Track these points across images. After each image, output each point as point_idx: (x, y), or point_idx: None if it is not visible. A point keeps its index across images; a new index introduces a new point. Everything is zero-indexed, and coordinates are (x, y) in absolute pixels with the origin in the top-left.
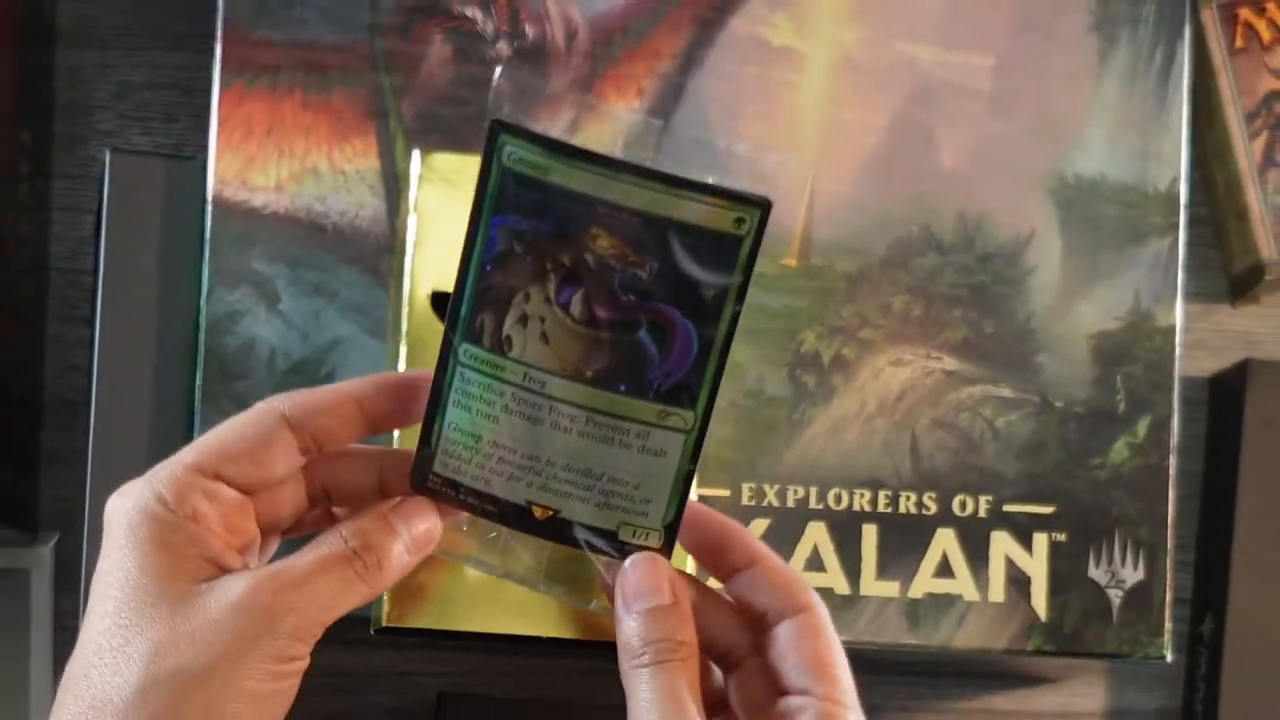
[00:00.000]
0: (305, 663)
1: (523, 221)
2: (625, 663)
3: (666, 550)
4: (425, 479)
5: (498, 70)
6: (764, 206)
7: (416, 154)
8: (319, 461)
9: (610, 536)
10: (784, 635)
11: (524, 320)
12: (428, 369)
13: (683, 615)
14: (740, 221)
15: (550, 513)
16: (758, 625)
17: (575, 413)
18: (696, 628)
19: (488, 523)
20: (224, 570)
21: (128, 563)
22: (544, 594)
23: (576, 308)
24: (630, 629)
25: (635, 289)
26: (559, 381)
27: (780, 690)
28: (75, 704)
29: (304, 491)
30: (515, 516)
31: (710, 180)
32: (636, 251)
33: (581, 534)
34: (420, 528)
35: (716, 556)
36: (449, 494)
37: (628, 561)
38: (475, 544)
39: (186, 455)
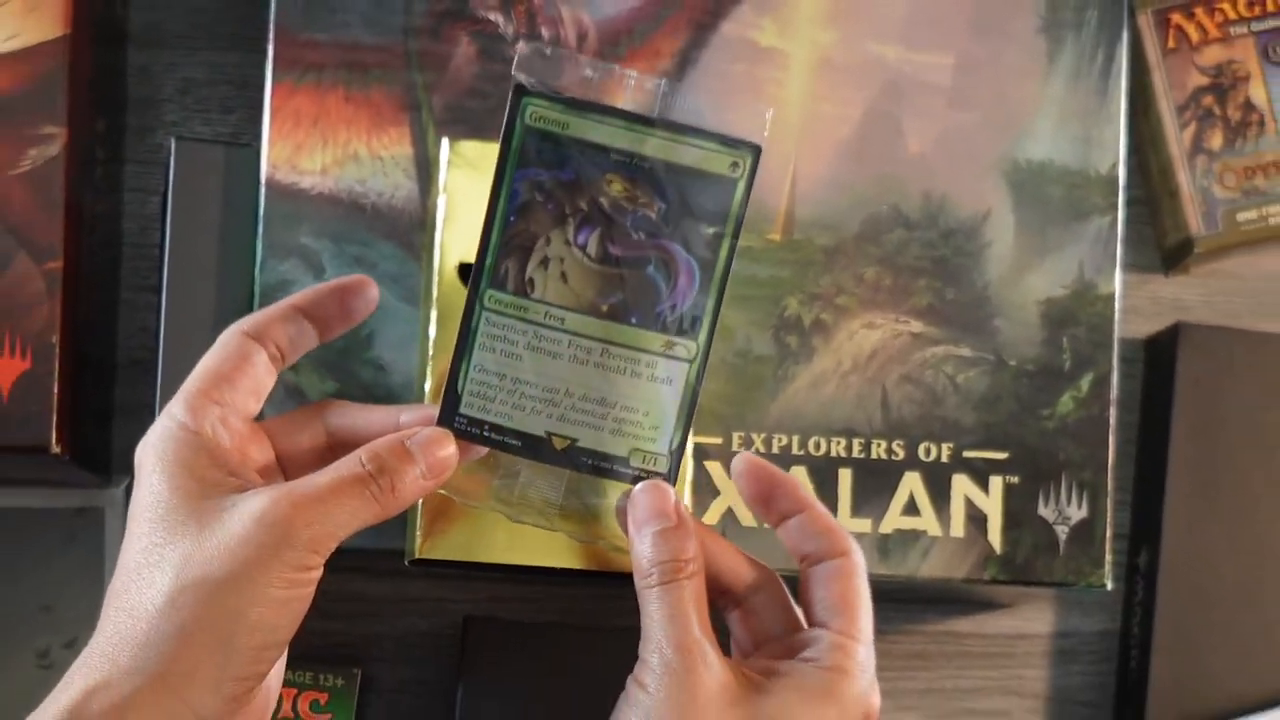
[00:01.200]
0: (320, 572)
1: (543, 173)
2: (638, 582)
3: (673, 474)
4: (453, 420)
5: (521, 40)
6: (755, 150)
7: (445, 142)
8: (339, 413)
9: (622, 462)
10: (819, 575)
11: (545, 263)
12: (361, 275)
13: (686, 534)
14: (735, 165)
15: (568, 442)
16: (802, 564)
17: (591, 345)
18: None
19: (506, 466)
20: (245, 486)
21: (157, 487)
22: (557, 531)
23: (593, 247)
24: (640, 551)
25: (645, 228)
26: (577, 317)
27: (798, 625)
28: (116, 615)
29: (322, 431)
30: (536, 448)
31: (709, 129)
32: (646, 194)
33: (595, 460)
34: (437, 455)
35: (769, 504)
36: (475, 432)
37: (636, 488)
38: (495, 489)
39: (189, 384)
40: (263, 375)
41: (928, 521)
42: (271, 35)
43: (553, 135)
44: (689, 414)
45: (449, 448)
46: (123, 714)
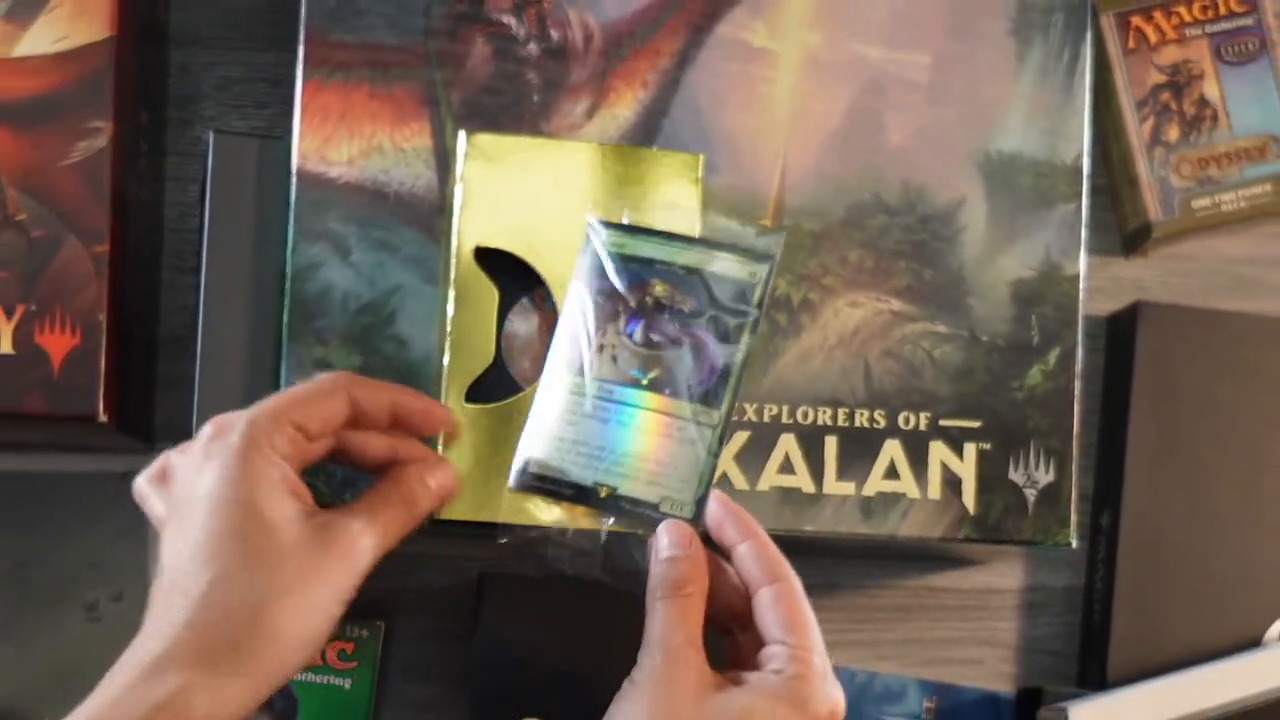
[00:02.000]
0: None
1: (604, 281)
2: (648, 597)
3: (696, 519)
4: (525, 475)
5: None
6: (771, 263)
7: (462, 135)
8: (359, 386)
9: (653, 508)
10: (766, 600)
11: (600, 349)
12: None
13: (694, 564)
14: (754, 273)
15: (610, 490)
16: (748, 591)
17: (633, 411)
18: (710, 594)
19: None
20: (299, 501)
21: (227, 491)
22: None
23: (638, 335)
24: (655, 572)
25: (679, 319)
26: (624, 390)
27: (761, 643)
28: (208, 614)
29: (346, 402)
30: (584, 495)
31: (755, 248)
32: (682, 293)
33: (632, 505)
34: (442, 481)
35: (722, 532)
36: (538, 485)
37: (661, 526)
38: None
39: (281, 405)
40: (336, 423)
41: (907, 485)
42: (302, 36)
43: (613, 253)
44: (711, 470)
45: (450, 474)
46: (223, 702)
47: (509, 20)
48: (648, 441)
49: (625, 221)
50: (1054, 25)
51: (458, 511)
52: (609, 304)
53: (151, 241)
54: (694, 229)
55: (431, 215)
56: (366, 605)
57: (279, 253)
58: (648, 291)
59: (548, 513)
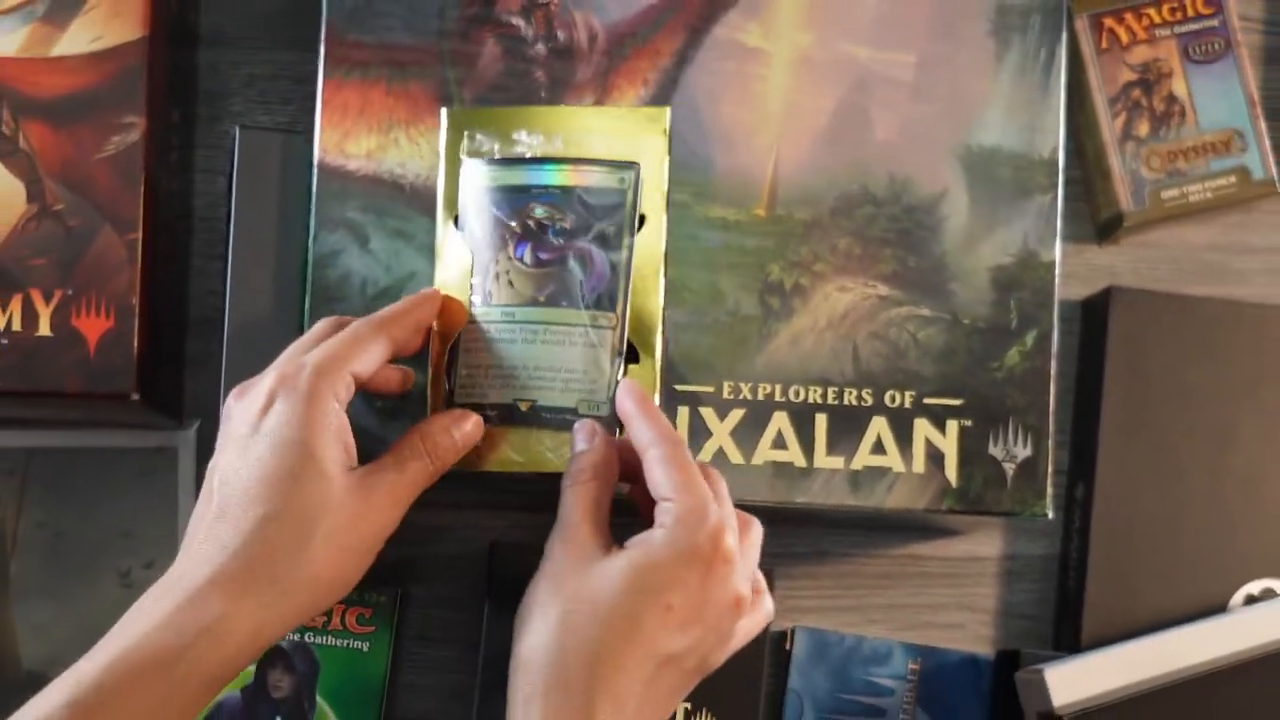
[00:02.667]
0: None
1: (481, 216)
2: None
3: (613, 417)
4: (449, 407)
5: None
6: (636, 168)
7: (443, 111)
8: (395, 325)
9: (572, 412)
10: (650, 461)
11: (497, 277)
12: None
13: (595, 454)
14: (623, 179)
15: (530, 404)
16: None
17: (536, 328)
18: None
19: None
20: (347, 453)
21: (290, 434)
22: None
23: (528, 257)
24: (568, 467)
25: (563, 236)
26: (525, 309)
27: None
28: (250, 546)
29: (387, 343)
30: (509, 413)
31: (601, 156)
32: (560, 210)
33: (553, 414)
34: (466, 429)
35: (622, 413)
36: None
37: (574, 426)
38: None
39: (341, 354)
40: (379, 362)
41: (893, 459)
42: (323, 37)
43: (490, 186)
44: (618, 367)
45: (471, 421)
46: (259, 632)
47: (518, 21)
48: (555, 353)
49: (496, 156)
50: (1031, 26)
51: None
52: (497, 234)
53: (181, 230)
54: (661, 181)
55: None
56: (384, 572)
57: (301, 240)
58: (529, 216)
59: (510, 452)
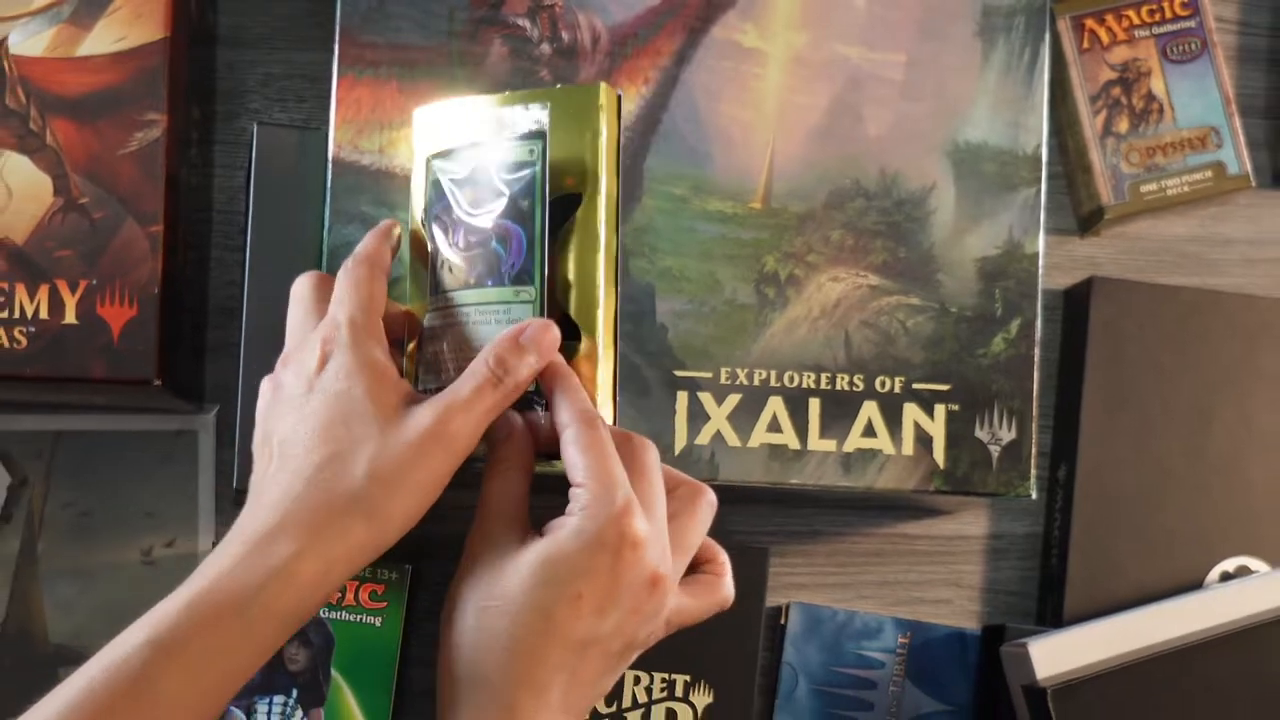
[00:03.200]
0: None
1: (436, 207)
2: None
3: (537, 393)
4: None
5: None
6: (543, 139)
7: (415, 113)
8: None
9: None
10: (566, 440)
11: (440, 265)
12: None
13: (508, 443)
14: (531, 151)
15: None
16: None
17: (470, 310)
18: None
19: None
20: (400, 390)
21: (340, 384)
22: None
23: (461, 242)
24: (488, 457)
25: (486, 216)
26: (460, 293)
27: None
28: (311, 492)
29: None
30: None
31: (522, 130)
32: (481, 191)
33: None
34: (546, 340)
35: (545, 387)
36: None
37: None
38: None
39: (366, 303)
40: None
41: (883, 442)
42: (337, 38)
43: (432, 180)
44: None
45: (553, 330)
46: (329, 572)
47: (524, 23)
48: (487, 331)
49: (444, 147)
50: (1015, 27)
51: None
52: (437, 227)
53: (201, 222)
54: (600, 158)
55: None
56: (395, 550)
57: (316, 233)
58: (459, 201)
59: None
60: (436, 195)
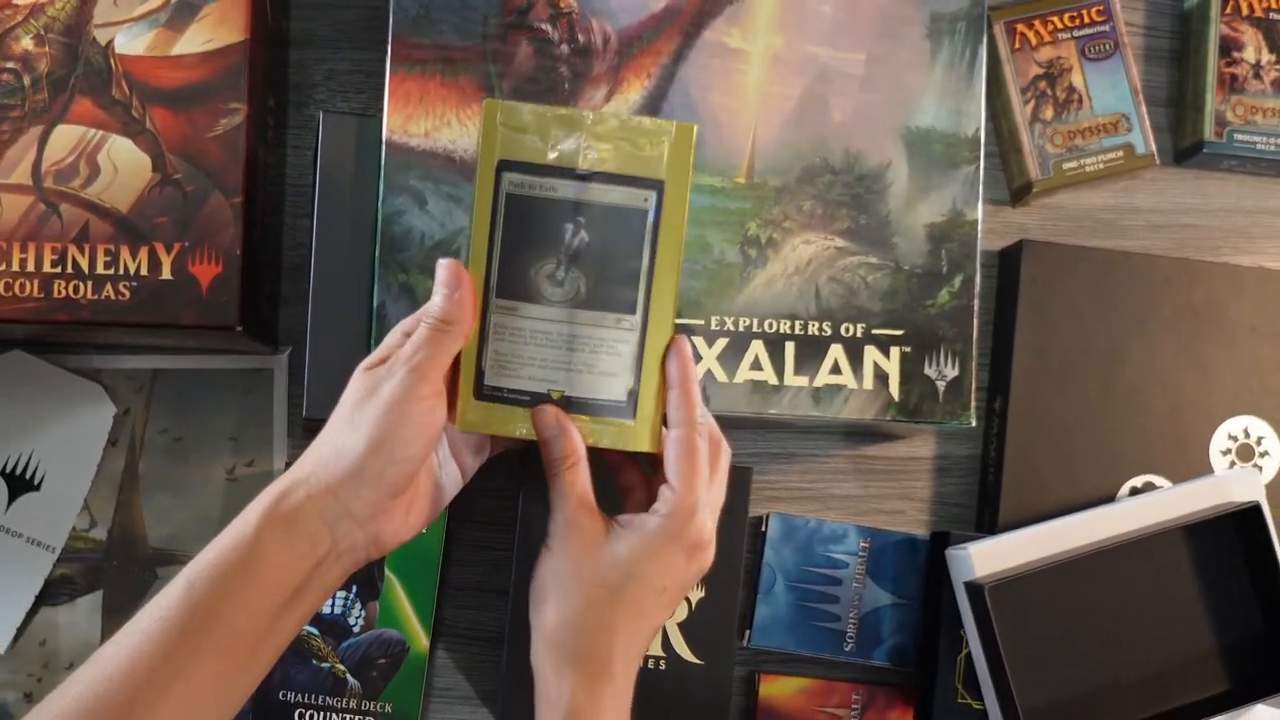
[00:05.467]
0: (438, 401)
1: (518, 221)
2: (547, 475)
3: (630, 408)
4: (482, 388)
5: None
6: (660, 188)
7: (487, 101)
8: None
9: (597, 403)
10: (669, 440)
11: (532, 277)
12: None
13: (573, 440)
14: (646, 199)
15: (560, 393)
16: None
17: (565, 327)
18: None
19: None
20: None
21: (358, 386)
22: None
23: (562, 263)
24: (543, 454)
25: (592, 245)
26: (557, 309)
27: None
28: (316, 448)
29: None
30: (539, 400)
31: (642, 176)
32: (594, 225)
33: (579, 404)
34: (464, 291)
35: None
36: (498, 394)
37: (538, 412)
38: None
39: (437, 360)
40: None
41: (847, 379)
42: (390, 39)
43: (522, 196)
44: (639, 366)
45: (456, 266)
46: (303, 503)
47: (547, 27)
48: (583, 350)
49: (525, 159)
50: (958, 31)
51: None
52: (533, 238)
53: (275, 194)
54: (684, 195)
55: None
56: None
57: (372, 202)
58: (563, 225)
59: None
60: (530, 210)
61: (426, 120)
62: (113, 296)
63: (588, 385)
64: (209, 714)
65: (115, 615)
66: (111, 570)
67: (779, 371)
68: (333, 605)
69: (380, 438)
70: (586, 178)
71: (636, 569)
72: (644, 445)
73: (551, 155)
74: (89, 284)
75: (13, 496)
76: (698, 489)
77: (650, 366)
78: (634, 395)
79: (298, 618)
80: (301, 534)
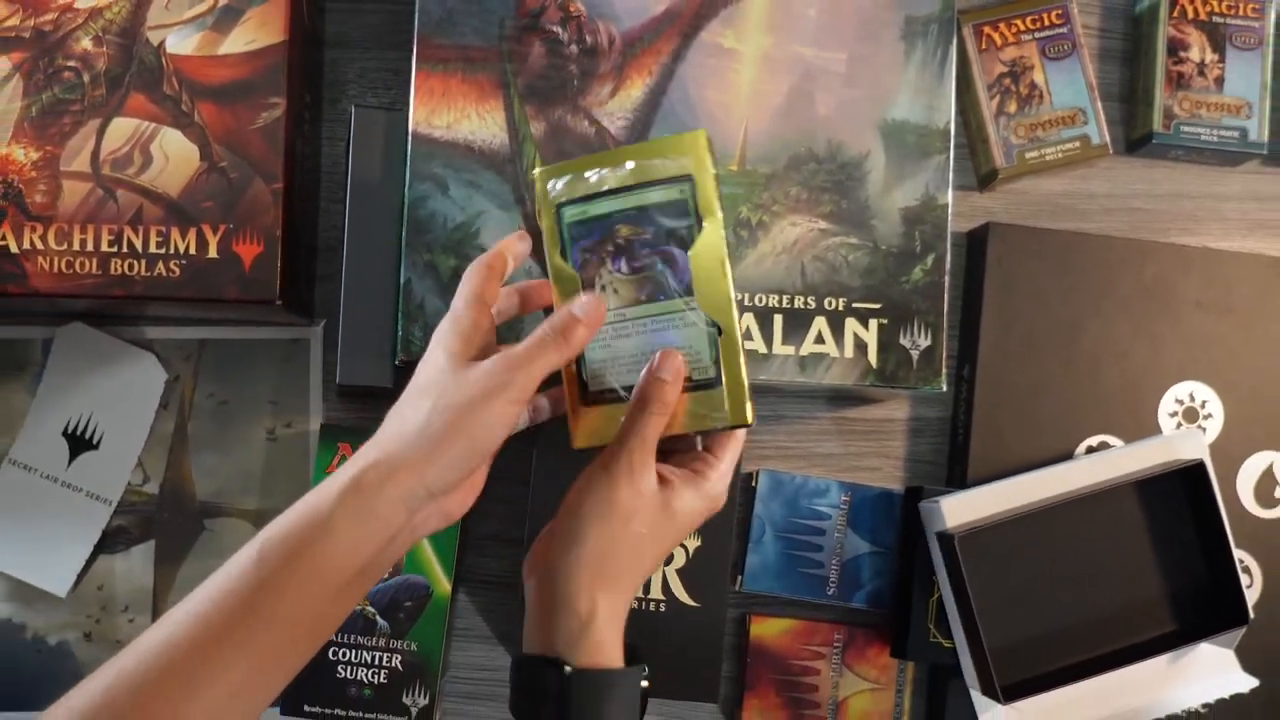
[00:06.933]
0: (524, 405)
1: (584, 242)
2: (630, 403)
3: (717, 377)
4: (587, 396)
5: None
6: (691, 178)
7: (537, 171)
8: (522, 290)
9: (688, 380)
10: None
11: (603, 289)
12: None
13: (669, 389)
14: (683, 190)
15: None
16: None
17: (644, 321)
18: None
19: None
20: (486, 355)
21: (437, 354)
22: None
23: (624, 267)
24: (640, 385)
25: (647, 245)
26: (630, 309)
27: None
28: (392, 422)
29: (517, 300)
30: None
31: (670, 176)
32: (639, 226)
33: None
34: (593, 313)
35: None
36: (601, 397)
37: (661, 352)
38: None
39: (466, 292)
40: (498, 291)
41: (830, 348)
42: (416, 41)
43: (578, 222)
44: (715, 336)
45: (600, 305)
46: (384, 483)
47: (557, 29)
48: (665, 336)
49: (575, 196)
50: (930, 33)
51: (584, 443)
52: (595, 256)
53: (312, 181)
54: (711, 190)
55: (503, 163)
56: None
57: (399, 189)
58: (616, 235)
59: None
60: (582, 233)
61: (449, 114)
62: (164, 273)
63: None
64: (266, 684)
65: (166, 563)
66: (163, 521)
67: (768, 341)
68: None
69: (471, 431)
70: (627, 190)
71: (684, 524)
72: (740, 418)
73: (593, 182)
74: (142, 262)
75: (74, 455)
76: (733, 459)
77: (722, 344)
78: (717, 365)
79: (360, 591)
80: (378, 513)
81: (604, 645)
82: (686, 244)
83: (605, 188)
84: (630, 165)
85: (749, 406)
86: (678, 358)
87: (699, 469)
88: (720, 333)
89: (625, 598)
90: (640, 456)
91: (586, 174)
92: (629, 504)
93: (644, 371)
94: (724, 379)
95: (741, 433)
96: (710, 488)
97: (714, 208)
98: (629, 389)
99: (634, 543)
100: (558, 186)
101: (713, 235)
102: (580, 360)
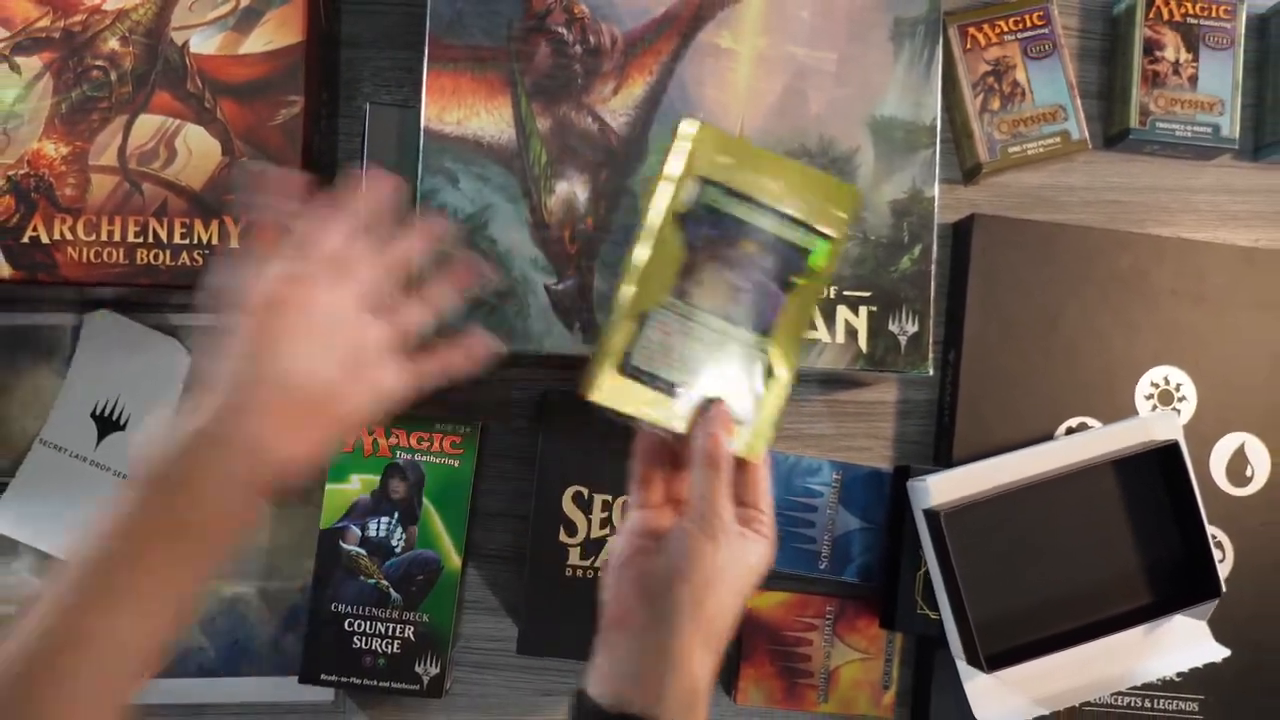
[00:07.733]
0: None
1: (706, 229)
2: (696, 460)
3: (748, 417)
4: (629, 366)
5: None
6: (831, 240)
7: (685, 123)
8: None
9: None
10: (744, 476)
11: (699, 283)
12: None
13: (731, 448)
14: (819, 248)
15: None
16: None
17: (713, 333)
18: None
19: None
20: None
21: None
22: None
23: (728, 276)
24: (701, 442)
25: (759, 270)
26: (710, 317)
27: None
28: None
29: None
30: (671, 388)
31: (817, 227)
32: (763, 250)
33: (709, 403)
34: (472, 348)
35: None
36: (640, 376)
37: (715, 406)
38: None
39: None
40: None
41: (822, 334)
42: (427, 41)
43: (714, 208)
44: (767, 382)
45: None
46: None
47: (562, 30)
48: (725, 359)
49: (730, 184)
50: (918, 33)
51: (601, 400)
52: (708, 247)
53: (329, 176)
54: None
55: (511, 158)
56: (471, 409)
57: (412, 182)
58: (739, 245)
59: (636, 403)
60: (711, 221)
61: (459, 111)
62: (188, 263)
63: (714, 390)
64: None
65: None
66: None
67: None
68: (378, 529)
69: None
70: (771, 209)
71: (755, 573)
72: (753, 454)
73: (744, 181)
74: (167, 252)
75: (102, 435)
76: (766, 508)
77: (768, 387)
78: (755, 407)
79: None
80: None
81: (705, 712)
82: (788, 289)
83: (758, 197)
84: (785, 184)
85: (764, 447)
86: (730, 415)
87: (748, 520)
88: (771, 374)
89: (719, 655)
90: (730, 516)
91: (746, 171)
92: (732, 566)
93: (706, 428)
94: (757, 419)
95: (767, 477)
96: (770, 535)
97: (829, 270)
98: (670, 385)
99: (735, 605)
100: (717, 161)
101: (813, 291)
102: (641, 324)
